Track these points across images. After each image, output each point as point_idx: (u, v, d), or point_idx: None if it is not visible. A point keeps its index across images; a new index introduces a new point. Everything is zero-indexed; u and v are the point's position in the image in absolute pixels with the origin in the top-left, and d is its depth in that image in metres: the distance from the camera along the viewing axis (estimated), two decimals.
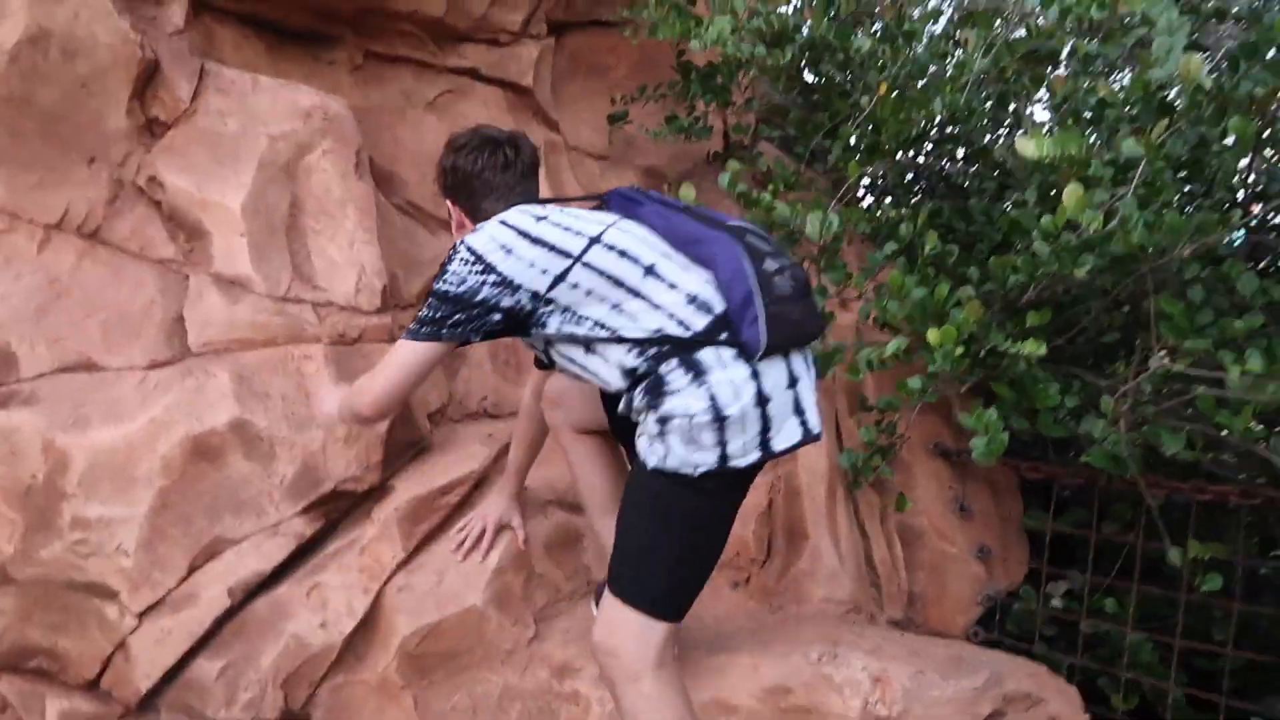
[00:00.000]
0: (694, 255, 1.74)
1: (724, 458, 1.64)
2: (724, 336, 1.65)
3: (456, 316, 1.75)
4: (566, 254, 1.73)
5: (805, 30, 2.73)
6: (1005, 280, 2.53)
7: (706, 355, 1.64)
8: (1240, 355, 2.13)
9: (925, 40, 2.52)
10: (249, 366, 2.32)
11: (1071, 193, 1.96)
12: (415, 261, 2.78)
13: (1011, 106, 2.59)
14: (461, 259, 1.75)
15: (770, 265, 1.68)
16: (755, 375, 1.64)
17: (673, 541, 1.73)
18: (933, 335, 2.38)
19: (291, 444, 2.27)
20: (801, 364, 1.74)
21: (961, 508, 2.83)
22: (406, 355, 1.82)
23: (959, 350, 2.31)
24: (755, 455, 1.66)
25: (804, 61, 2.71)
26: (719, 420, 1.62)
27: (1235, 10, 2.54)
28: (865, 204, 2.76)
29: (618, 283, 1.71)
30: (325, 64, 2.82)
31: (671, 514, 1.72)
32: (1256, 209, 2.84)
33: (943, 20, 2.47)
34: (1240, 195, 2.84)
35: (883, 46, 2.61)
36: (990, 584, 2.84)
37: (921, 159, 2.82)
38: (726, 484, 1.71)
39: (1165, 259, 2.25)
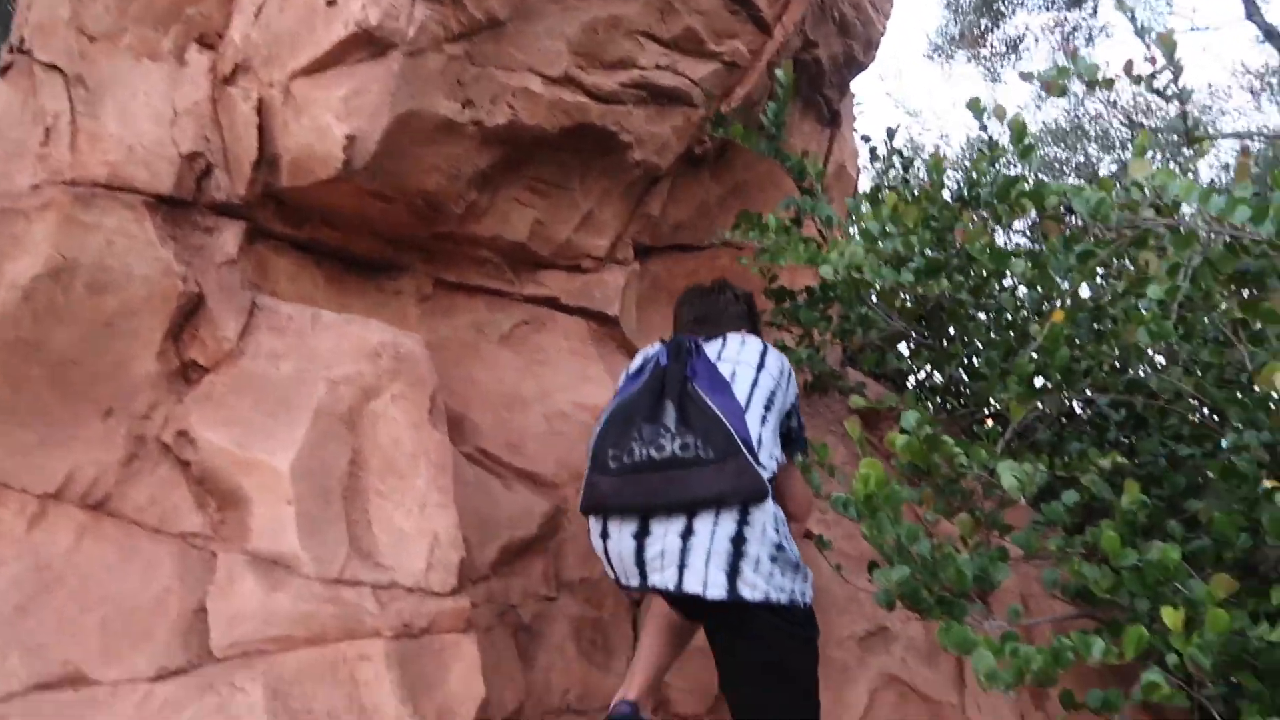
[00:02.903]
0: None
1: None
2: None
3: None
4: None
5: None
6: (1233, 540, 2.04)
7: None
8: None
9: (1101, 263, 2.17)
10: (287, 675, 1.77)
11: None
12: (489, 522, 2.27)
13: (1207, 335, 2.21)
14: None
15: (640, 434, 1.88)
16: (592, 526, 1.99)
17: None
18: (1169, 616, 1.83)
19: None
20: (652, 524, 1.84)
21: None
22: None
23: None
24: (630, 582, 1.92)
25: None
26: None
27: None
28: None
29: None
30: (390, 294, 2.44)
31: None
32: None
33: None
34: None
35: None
36: None
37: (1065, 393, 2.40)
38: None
39: None
